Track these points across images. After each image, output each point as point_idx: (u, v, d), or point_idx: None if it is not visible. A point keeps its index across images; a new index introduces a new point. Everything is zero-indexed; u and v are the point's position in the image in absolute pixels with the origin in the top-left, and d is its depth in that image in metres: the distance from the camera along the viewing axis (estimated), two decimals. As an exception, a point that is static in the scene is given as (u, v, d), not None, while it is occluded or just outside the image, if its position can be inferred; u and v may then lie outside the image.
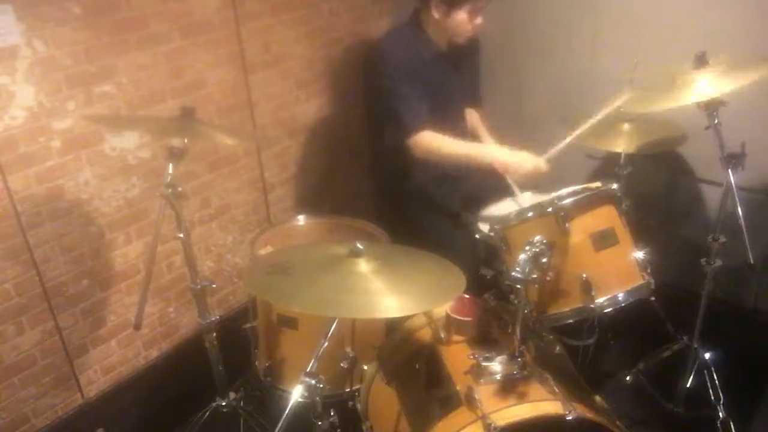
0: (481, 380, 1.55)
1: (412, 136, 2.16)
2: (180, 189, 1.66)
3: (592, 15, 2.47)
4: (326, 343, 1.48)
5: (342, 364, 1.85)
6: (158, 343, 2.41)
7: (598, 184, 1.68)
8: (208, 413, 2.07)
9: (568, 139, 1.96)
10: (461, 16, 2.15)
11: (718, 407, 2.06)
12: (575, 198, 1.61)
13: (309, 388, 1.46)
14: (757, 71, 1.63)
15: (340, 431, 1.67)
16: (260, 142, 2.59)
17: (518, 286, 1.49)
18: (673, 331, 2.29)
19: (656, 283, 1.65)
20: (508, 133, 2.45)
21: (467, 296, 1.77)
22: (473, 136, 2.47)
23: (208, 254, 2.49)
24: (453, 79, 2.36)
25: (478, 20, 2.17)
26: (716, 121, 1.75)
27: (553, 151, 1.98)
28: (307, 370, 1.47)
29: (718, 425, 2.05)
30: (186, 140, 1.67)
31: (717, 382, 2.10)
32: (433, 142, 2.14)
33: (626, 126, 2.19)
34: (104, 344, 2.24)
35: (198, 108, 1.74)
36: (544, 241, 1.53)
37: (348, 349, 1.86)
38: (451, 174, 2.46)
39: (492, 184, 2.38)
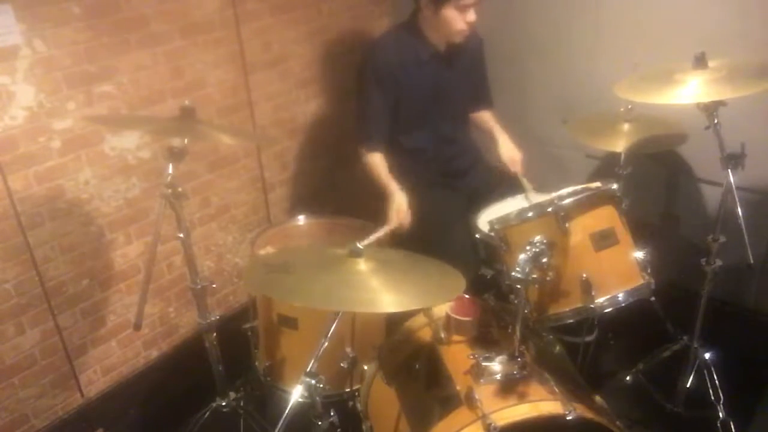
0: (481, 380, 1.55)
1: (365, 153, 2.32)
2: (180, 189, 1.66)
3: (593, 16, 2.47)
4: (326, 343, 1.48)
5: (342, 364, 1.85)
6: (158, 343, 2.41)
7: (598, 184, 1.68)
8: (208, 413, 2.07)
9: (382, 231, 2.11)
10: (450, 12, 2.14)
11: (718, 407, 2.06)
12: (575, 198, 1.61)
13: (309, 388, 1.46)
14: (759, 83, 1.63)
15: (340, 431, 1.67)
16: (260, 142, 2.60)
17: (518, 286, 1.49)
18: (673, 331, 2.29)
19: (656, 283, 1.65)
20: (510, 133, 2.45)
21: (467, 296, 1.76)
22: (489, 137, 2.49)
23: (208, 254, 2.50)
24: (452, 80, 2.36)
25: (470, 17, 2.16)
26: (716, 122, 1.75)
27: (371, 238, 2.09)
28: (307, 370, 1.47)
29: (718, 425, 2.05)
30: (186, 140, 1.67)
31: (717, 382, 2.10)
32: (374, 166, 2.31)
33: (626, 126, 2.19)
34: (104, 344, 2.24)
35: (198, 108, 1.74)
36: (544, 241, 1.53)
37: (348, 349, 1.86)
38: (450, 174, 2.47)
39: (492, 184, 2.39)
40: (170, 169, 1.64)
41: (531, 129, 2.74)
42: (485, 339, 1.74)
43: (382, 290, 1.42)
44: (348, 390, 1.94)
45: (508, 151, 2.39)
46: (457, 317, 1.74)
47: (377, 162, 2.31)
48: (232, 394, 2.09)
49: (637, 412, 2.19)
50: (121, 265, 2.21)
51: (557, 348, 1.82)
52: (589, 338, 2.10)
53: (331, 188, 2.93)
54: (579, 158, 2.67)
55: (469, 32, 2.23)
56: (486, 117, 2.54)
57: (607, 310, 1.61)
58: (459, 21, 2.16)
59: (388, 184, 2.26)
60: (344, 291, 1.41)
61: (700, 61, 1.75)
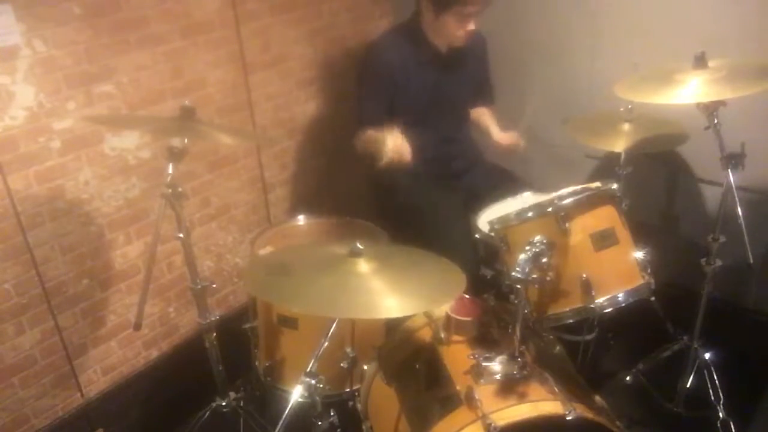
0: (481, 380, 1.55)
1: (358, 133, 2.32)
2: (180, 189, 1.66)
3: (593, 17, 2.47)
4: (326, 343, 1.48)
5: (342, 364, 1.85)
6: (158, 343, 2.41)
7: (598, 184, 1.68)
8: (208, 413, 2.06)
9: None
10: (449, 20, 2.16)
11: (718, 407, 2.06)
12: (575, 198, 1.61)
13: (309, 388, 1.46)
14: (759, 83, 1.63)
15: (340, 431, 1.67)
16: (260, 141, 2.59)
17: (518, 286, 1.49)
18: (673, 331, 2.29)
19: (656, 283, 1.65)
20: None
21: (467, 296, 1.76)
22: (484, 131, 2.50)
23: (208, 254, 2.50)
24: (452, 81, 2.37)
25: (470, 26, 2.17)
26: (716, 122, 1.75)
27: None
28: (307, 370, 1.47)
29: (718, 425, 2.05)
30: (186, 140, 1.67)
31: (717, 382, 2.10)
32: (367, 135, 2.27)
33: (626, 125, 2.19)
34: (104, 344, 2.24)
35: (198, 108, 1.74)
36: (544, 241, 1.53)
37: (348, 349, 1.86)
38: (450, 174, 2.47)
39: (492, 184, 2.39)
40: (170, 169, 1.64)
41: (531, 129, 2.74)
42: (485, 339, 1.74)
43: (382, 293, 1.42)
44: (348, 390, 1.94)
45: (503, 133, 2.40)
46: (457, 317, 1.74)
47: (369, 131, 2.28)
48: (232, 394, 2.09)
49: (637, 412, 2.19)
50: (121, 265, 2.21)
51: (557, 348, 1.82)
52: (589, 336, 2.10)
53: (331, 188, 2.92)
54: (579, 158, 2.67)
55: (471, 36, 2.23)
56: (483, 112, 2.54)
57: (607, 310, 1.61)
58: (458, 29, 2.17)
59: (382, 132, 2.19)
60: (344, 295, 1.41)
61: (700, 61, 1.75)
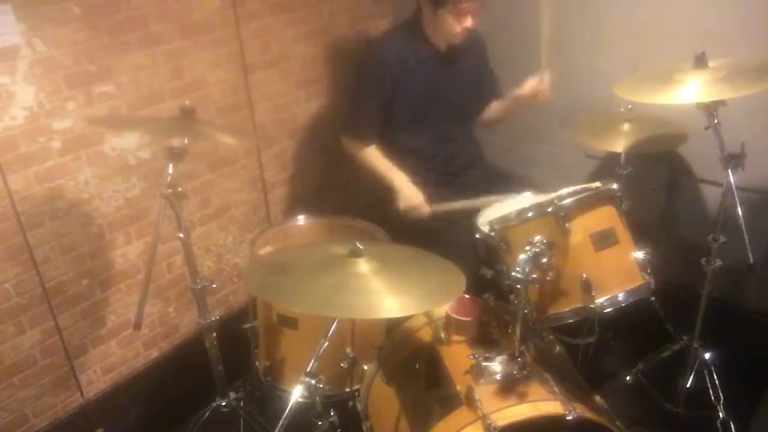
0: (481, 380, 1.55)
1: (360, 146, 2.36)
2: (180, 189, 1.66)
3: (593, 16, 2.47)
4: (326, 343, 1.48)
5: (342, 364, 1.85)
6: (158, 343, 2.41)
7: (598, 184, 1.68)
8: (208, 413, 2.06)
9: (460, 204, 2.17)
10: (446, 16, 2.16)
11: (718, 407, 2.06)
12: (575, 198, 1.61)
13: (309, 388, 1.46)
14: (759, 83, 1.63)
15: (340, 431, 1.67)
16: (260, 141, 2.59)
17: (518, 286, 1.49)
18: (673, 331, 2.29)
19: (656, 283, 1.65)
20: (510, 133, 2.45)
21: (467, 296, 1.76)
22: (509, 106, 2.48)
23: (208, 254, 2.49)
24: (452, 79, 2.37)
25: (467, 22, 2.17)
26: (716, 122, 1.75)
27: (443, 207, 2.19)
28: (307, 370, 1.47)
29: (718, 425, 2.05)
30: (186, 140, 1.67)
31: (717, 382, 2.10)
32: (372, 159, 2.35)
33: (626, 126, 2.19)
34: (104, 344, 2.24)
35: (198, 108, 1.74)
36: (544, 241, 1.53)
37: (348, 349, 1.86)
38: (450, 173, 2.47)
39: (492, 183, 2.39)
40: (170, 169, 1.64)
41: (531, 129, 2.74)
42: (485, 339, 1.74)
43: (382, 293, 1.41)
44: (348, 390, 1.94)
45: (531, 82, 2.31)
46: (457, 317, 1.74)
47: (375, 154, 2.33)
48: (232, 394, 2.09)
49: (637, 412, 2.19)
50: (121, 265, 2.21)
51: (557, 348, 1.82)
52: (589, 340, 2.11)
53: (331, 188, 2.92)
54: (579, 158, 2.67)
55: (469, 34, 2.23)
56: (496, 102, 2.53)
57: (607, 310, 1.61)
58: (455, 25, 2.17)
59: (393, 174, 2.26)
60: (344, 295, 1.41)
61: (700, 61, 1.75)
